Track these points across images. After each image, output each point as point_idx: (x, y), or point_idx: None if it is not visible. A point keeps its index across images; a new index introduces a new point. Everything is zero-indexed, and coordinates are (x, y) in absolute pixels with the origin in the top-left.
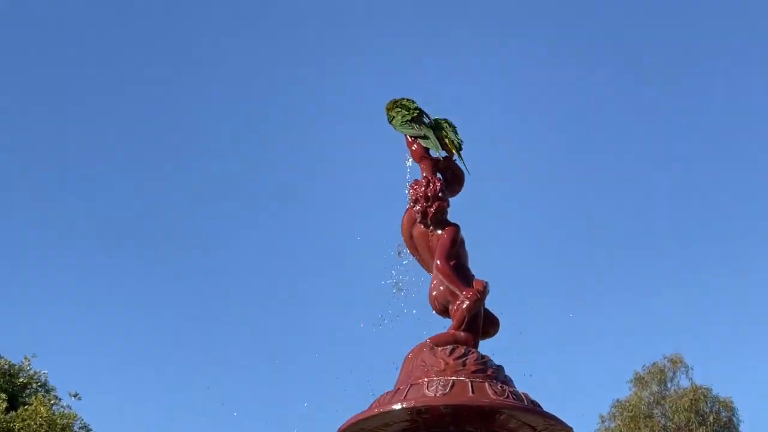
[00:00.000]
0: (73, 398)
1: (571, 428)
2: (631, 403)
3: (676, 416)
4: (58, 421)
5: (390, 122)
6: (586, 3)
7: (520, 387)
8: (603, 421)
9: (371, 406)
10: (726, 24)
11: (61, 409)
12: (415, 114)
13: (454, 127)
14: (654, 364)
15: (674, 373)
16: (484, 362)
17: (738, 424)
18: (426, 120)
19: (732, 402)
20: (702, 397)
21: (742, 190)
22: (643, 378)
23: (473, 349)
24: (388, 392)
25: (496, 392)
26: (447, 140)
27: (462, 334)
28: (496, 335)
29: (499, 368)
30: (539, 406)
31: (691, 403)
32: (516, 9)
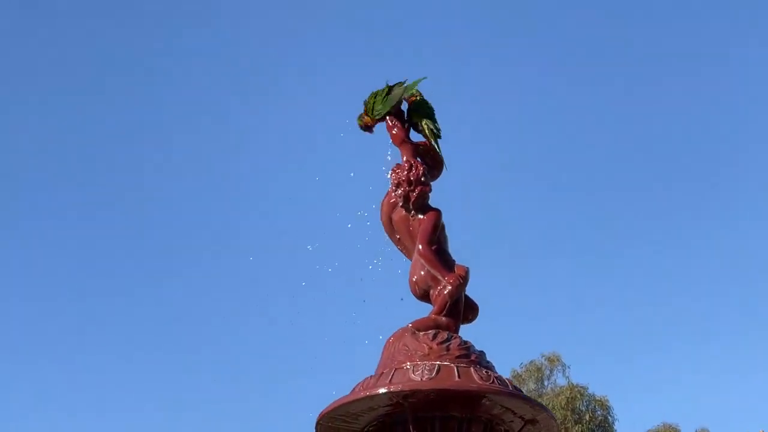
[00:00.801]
0: None
1: (551, 413)
2: None
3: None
4: None
5: (371, 114)
6: None
7: None
8: None
9: (355, 389)
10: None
11: None
12: (387, 90)
13: (432, 112)
14: (531, 362)
15: (551, 371)
16: (467, 347)
17: (613, 422)
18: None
19: (608, 401)
20: (578, 396)
21: (623, 192)
22: (521, 376)
23: (456, 335)
24: (371, 376)
25: (481, 377)
26: (425, 128)
27: (443, 319)
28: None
29: (482, 354)
30: (521, 391)
31: (568, 402)
32: None
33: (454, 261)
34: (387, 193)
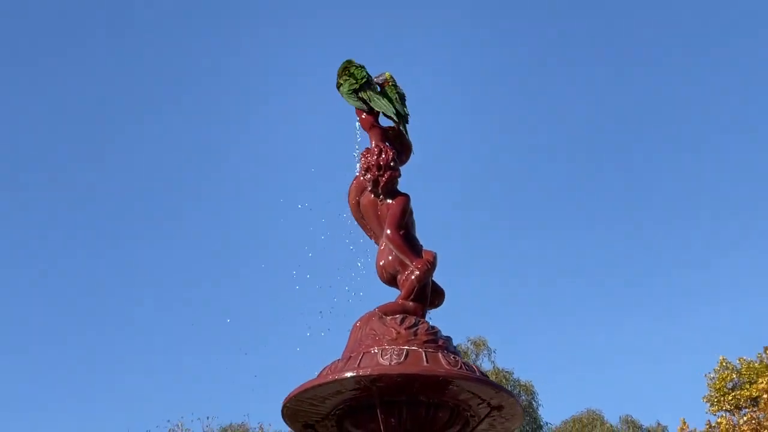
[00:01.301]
0: None
1: (517, 399)
2: None
3: None
4: None
5: (338, 89)
6: None
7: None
8: None
9: (322, 373)
10: None
11: None
12: (363, 81)
13: (403, 97)
14: (457, 345)
15: (477, 355)
16: (434, 332)
17: (537, 408)
18: (374, 87)
19: (532, 386)
20: (503, 381)
21: (541, 177)
22: None
23: (423, 320)
24: (339, 360)
25: (449, 362)
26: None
27: (411, 304)
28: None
29: (448, 339)
30: (488, 378)
31: None
32: None
33: (421, 246)
34: (355, 178)
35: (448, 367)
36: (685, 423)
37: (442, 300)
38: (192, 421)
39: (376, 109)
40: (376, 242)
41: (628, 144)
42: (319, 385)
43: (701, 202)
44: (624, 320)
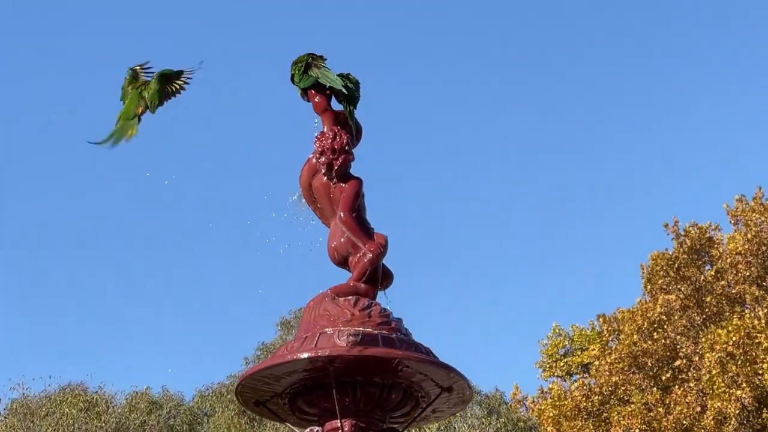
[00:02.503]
0: None
1: (468, 382)
2: (275, 346)
3: None
4: None
5: (294, 83)
6: None
7: None
8: (247, 363)
9: (278, 352)
10: None
11: None
12: (308, 60)
13: (356, 83)
14: (300, 308)
15: None
16: (387, 315)
17: None
18: (322, 65)
19: None
20: None
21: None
22: (289, 322)
23: (375, 302)
24: (294, 340)
25: (404, 345)
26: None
27: (362, 285)
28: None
29: (400, 321)
30: (439, 359)
31: None
32: None
33: (372, 229)
34: (307, 160)
35: (403, 350)
36: (518, 388)
37: (390, 282)
38: (33, 379)
39: (324, 82)
40: (327, 225)
41: None
42: (277, 365)
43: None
44: (461, 289)
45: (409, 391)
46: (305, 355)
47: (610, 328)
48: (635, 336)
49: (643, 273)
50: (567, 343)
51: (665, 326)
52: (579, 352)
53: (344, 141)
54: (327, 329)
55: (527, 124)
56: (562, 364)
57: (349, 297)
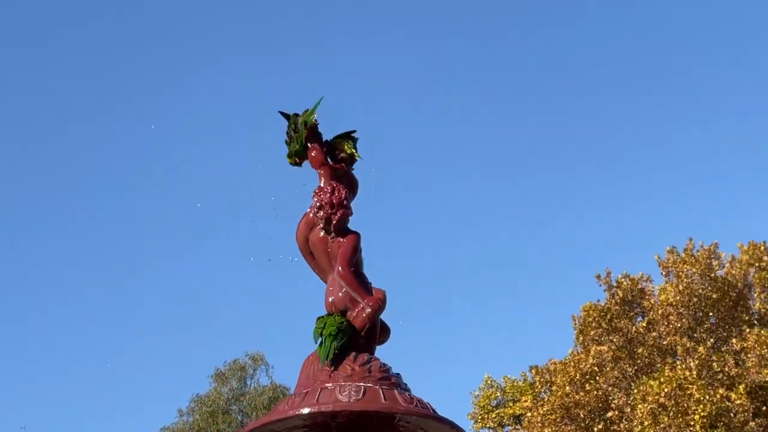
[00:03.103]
0: None
1: None
2: (210, 398)
3: (254, 413)
4: None
5: (292, 157)
6: None
7: None
8: (181, 415)
9: (279, 407)
10: None
11: None
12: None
13: (355, 141)
14: (235, 360)
15: (255, 370)
16: (386, 370)
17: None
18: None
19: None
20: (280, 396)
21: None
22: (224, 374)
23: (374, 357)
24: (296, 394)
25: (405, 400)
26: (345, 151)
27: (361, 341)
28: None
29: (398, 376)
30: (438, 414)
31: (270, 401)
32: None
33: (371, 284)
34: (305, 215)
35: (404, 405)
36: None
37: (388, 337)
38: None
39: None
40: (323, 279)
41: None
42: (279, 420)
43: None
44: (395, 335)
45: None
46: (307, 410)
47: (542, 380)
48: (567, 387)
49: (575, 324)
50: (499, 394)
51: (597, 377)
52: (511, 404)
53: (342, 196)
54: (327, 384)
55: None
56: (494, 415)
57: (349, 353)
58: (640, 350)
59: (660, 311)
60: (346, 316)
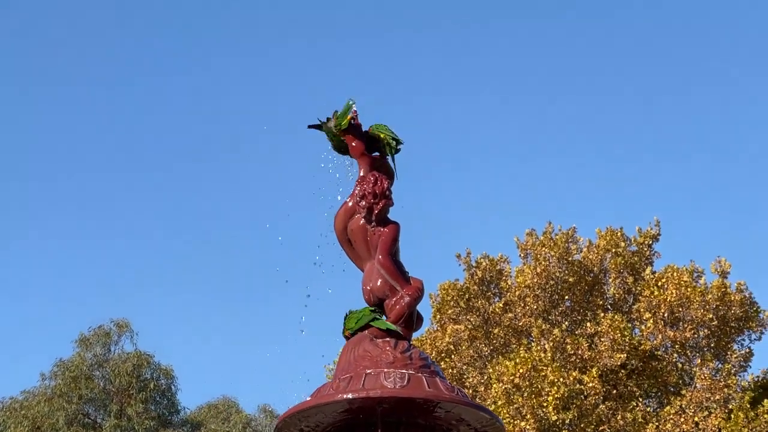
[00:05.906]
0: None
1: (503, 426)
2: (73, 363)
3: (117, 379)
4: None
5: (336, 135)
6: None
7: None
8: (44, 379)
9: (323, 391)
10: None
11: None
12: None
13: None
14: (100, 326)
15: (119, 336)
16: (425, 358)
17: (176, 391)
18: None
19: (172, 370)
20: (145, 363)
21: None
22: (88, 339)
23: (413, 345)
24: (339, 379)
25: (447, 388)
26: (385, 141)
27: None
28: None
29: (435, 364)
30: (476, 403)
31: (134, 368)
32: None
33: (408, 273)
34: (343, 203)
35: (447, 393)
36: None
37: (420, 325)
38: None
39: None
40: (360, 267)
41: None
42: (326, 404)
43: None
44: (261, 308)
45: None
46: (355, 396)
47: None
48: None
49: (433, 303)
50: None
51: (453, 356)
52: None
53: (385, 186)
54: (369, 370)
55: None
56: None
57: (387, 339)
58: (496, 330)
59: (517, 293)
60: (384, 304)
